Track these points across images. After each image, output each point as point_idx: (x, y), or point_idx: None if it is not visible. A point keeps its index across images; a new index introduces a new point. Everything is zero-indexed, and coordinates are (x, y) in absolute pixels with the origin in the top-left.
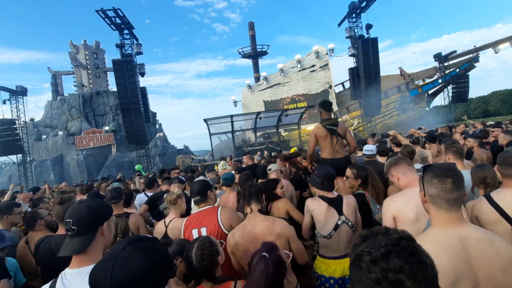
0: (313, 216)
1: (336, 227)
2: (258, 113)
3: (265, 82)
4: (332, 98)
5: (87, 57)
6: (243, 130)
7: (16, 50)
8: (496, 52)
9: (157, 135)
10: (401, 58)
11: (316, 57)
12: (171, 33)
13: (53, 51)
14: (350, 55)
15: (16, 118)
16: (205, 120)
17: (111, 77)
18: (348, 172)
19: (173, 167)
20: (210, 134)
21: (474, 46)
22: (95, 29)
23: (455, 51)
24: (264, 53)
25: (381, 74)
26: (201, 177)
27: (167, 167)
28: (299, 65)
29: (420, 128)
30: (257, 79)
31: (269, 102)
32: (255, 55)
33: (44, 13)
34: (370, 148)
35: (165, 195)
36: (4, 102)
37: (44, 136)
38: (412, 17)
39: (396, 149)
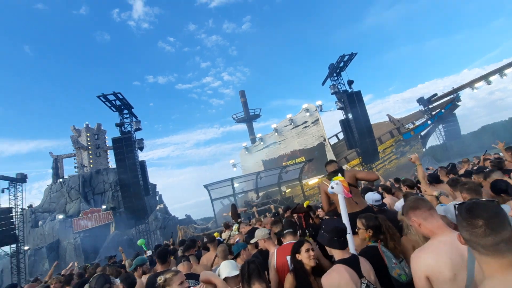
0: None
1: None
2: (258, 173)
3: (261, 143)
4: (328, 150)
5: (88, 139)
6: (244, 192)
7: (27, 140)
8: (473, 90)
9: (157, 207)
10: (385, 108)
11: (307, 114)
12: (172, 111)
13: (57, 138)
14: (338, 109)
15: (14, 206)
16: (206, 186)
17: (111, 155)
18: (358, 222)
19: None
20: (212, 200)
21: (453, 87)
22: (97, 112)
23: (436, 94)
24: (257, 116)
25: (371, 122)
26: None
27: (167, 240)
28: (292, 123)
29: (427, 169)
30: (253, 140)
31: (267, 161)
32: (249, 119)
33: (49, 104)
34: (376, 197)
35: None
36: (2, 191)
37: (41, 222)
38: (386, 73)
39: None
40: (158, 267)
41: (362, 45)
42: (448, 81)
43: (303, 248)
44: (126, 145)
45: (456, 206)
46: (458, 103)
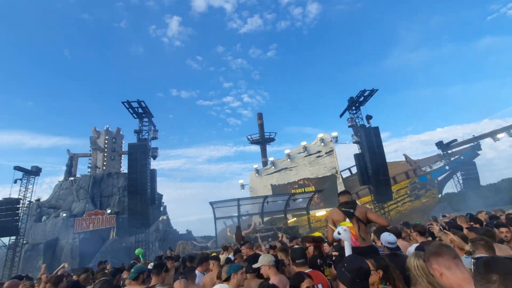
0: None
1: None
2: (266, 197)
3: (272, 167)
4: (339, 183)
5: (106, 141)
6: (249, 215)
7: (48, 136)
8: (495, 141)
9: (160, 218)
10: (401, 147)
11: (322, 144)
12: (190, 125)
13: (77, 137)
14: (354, 142)
15: (22, 198)
16: (211, 204)
17: (125, 160)
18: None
19: (168, 256)
20: (215, 218)
21: (473, 135)
22: (119, 116)
23: (455, 140)
24: (271, 140)
25: (386, 160)
26: None
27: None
28: (305, 151)
29: (444, 216)
30: (265, 163)
31: (276, 186)
32: (263, 141)
33: (76, 104)
34: (391, 239)
35: None
36: (15, 182)
37: (44, 217)
38: (405, 112)
39: (419, 238)
40: (153, 279)
41: (383, 82)
42: (468, 129)
43: (304, 285)
44: (141, 152)
45: (474, 260)
46: (479, 152)
